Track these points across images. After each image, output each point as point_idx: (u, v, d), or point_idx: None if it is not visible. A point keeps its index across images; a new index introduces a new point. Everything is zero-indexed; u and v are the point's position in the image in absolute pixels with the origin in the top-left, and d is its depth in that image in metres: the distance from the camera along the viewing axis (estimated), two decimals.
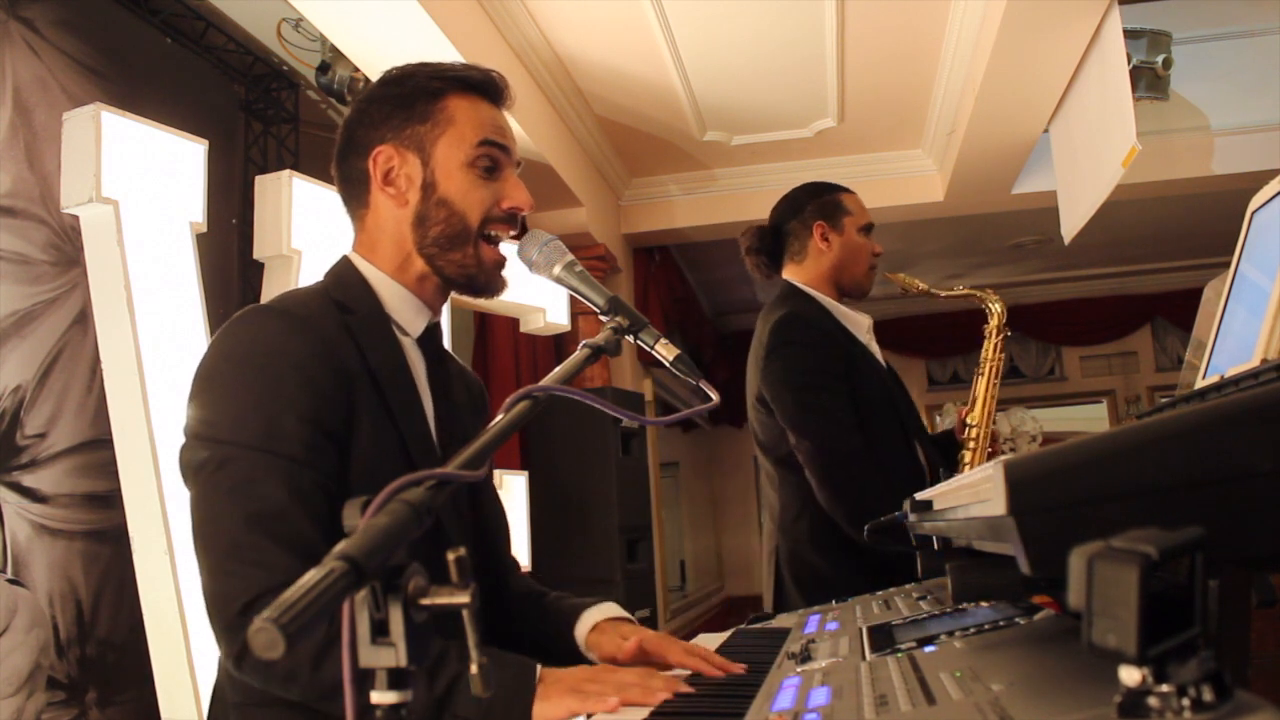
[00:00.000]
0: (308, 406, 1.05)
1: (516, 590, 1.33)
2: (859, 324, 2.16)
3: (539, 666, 1.01)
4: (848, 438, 1.97)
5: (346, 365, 1.10)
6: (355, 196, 1.22)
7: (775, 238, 2.25)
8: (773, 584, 2.12)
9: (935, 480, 2.00)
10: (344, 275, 1.20)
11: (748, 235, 2.28)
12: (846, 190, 2.25)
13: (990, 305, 2.43)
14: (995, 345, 2.42)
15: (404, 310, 1.19)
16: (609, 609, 1.24)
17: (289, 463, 1.02)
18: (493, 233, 1.20)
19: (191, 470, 1.06)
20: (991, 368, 2.40)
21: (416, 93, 1.18)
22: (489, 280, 1.21)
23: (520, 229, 1.23)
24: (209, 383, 1.09)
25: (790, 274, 2.22)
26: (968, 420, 2.36)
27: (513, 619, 1.29)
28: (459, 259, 1.18)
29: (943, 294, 2.43)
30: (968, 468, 2.29)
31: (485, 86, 1.21)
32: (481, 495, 1.29)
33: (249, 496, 1.01)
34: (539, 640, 1.25)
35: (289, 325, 1.09)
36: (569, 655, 1.21)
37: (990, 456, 2.33)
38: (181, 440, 1.09)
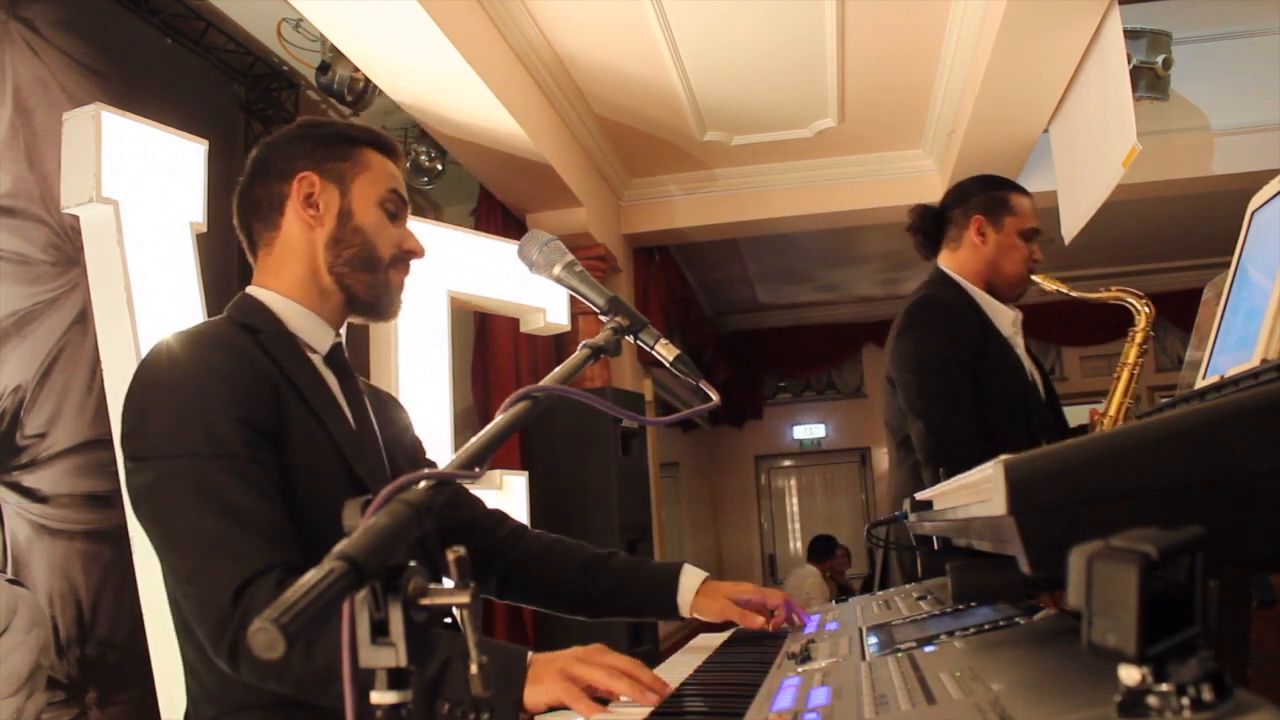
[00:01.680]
0: (240, 410, 1.08)
1: (538, 547, 1.41)
2: (1003, 315, 2.14)
3: (530, 652, 1.02)
4: (960, 425, 1.95)
5: (268, 373, 1.14)
6: (263, 219, 1.28)
7: (938, 221, 2.23)
8: (881, 565, 2.11)
9: None
10: (244, 304, 1.25)
11: (913, 212, 2.26)
12: (1019, 190, 2.21)
13: (1138, 307, 2.29)
14: (1139, 349, 2.29)
15: (309, 328, 1.25)
16: (698, 571, 1.36)
17: (235, 460, 1.06)
18: (395, 267, 1.31)
19: (143, 492, 1.09)
20: (1130, 373, 2.28)
21: (338, 136, 1.30)
22: (392, 302, 1.31)
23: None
24: (141, 412, 1.12)
25: (944, 260, 2.21)
26: (1101, 421, 2.27)
27: (571, 578, 1.39)
28: (369, 280, 1.28)
29: (1090, 297, 2.30)
30: None
31: (391, 149, 1.34)
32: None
33: (207, 497, 1.03)
34: (625, 602, 1.38)
35: (206, 343, 1.15)
36: (664, 615, 1.37)
37: None
38: (125, 469, 1.11)
